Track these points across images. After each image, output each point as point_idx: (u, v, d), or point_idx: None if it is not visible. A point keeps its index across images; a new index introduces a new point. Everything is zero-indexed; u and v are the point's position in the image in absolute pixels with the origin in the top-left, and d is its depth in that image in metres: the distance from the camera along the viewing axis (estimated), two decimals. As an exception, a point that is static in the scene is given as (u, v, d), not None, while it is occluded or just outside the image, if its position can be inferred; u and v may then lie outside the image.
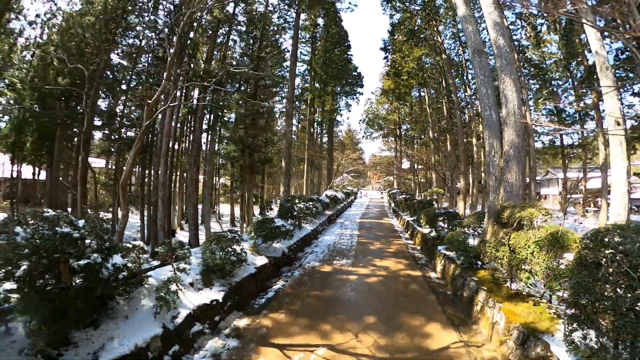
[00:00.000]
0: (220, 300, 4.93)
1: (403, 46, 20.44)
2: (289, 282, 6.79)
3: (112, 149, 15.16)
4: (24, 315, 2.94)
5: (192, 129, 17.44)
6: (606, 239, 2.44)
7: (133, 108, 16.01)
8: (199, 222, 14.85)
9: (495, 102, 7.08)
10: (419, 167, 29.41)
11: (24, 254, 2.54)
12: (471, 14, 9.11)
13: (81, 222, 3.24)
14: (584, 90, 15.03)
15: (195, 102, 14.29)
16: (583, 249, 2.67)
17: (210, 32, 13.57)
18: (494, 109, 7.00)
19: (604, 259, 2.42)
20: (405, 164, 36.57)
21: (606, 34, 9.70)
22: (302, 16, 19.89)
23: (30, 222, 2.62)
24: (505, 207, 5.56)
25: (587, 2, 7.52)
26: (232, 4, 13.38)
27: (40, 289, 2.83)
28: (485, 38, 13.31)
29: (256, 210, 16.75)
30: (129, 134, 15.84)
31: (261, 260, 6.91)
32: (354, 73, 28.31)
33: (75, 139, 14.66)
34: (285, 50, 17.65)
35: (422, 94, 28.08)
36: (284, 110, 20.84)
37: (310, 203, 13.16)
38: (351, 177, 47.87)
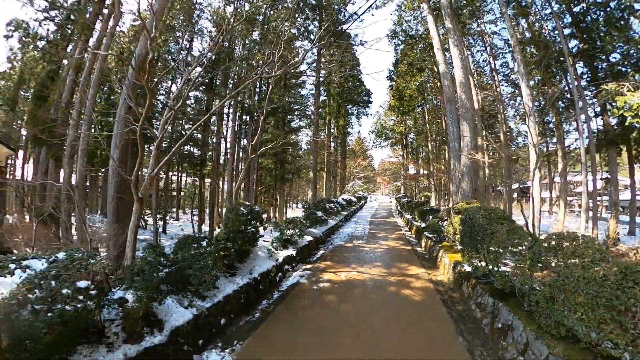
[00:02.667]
0: (294, 255, 8.68)
1: (406, 75, 24.13)
2: (327, 251, 10.55)
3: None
4: (204, 269, 6.73)
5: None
6: (469, 212, 6.07)
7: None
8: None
9: (458, 137, 10.69)
10: (422, 173, 32.87)
11: (239, 220, 6.32)
12: (448, 70, 12.74)
13: (245, 210, 7.06)
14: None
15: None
16: (463, 217, 6.29)
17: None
18: (457, 141, 10.61)
19: (468, 220, 6.05)
20: (412, 170, 39.96)
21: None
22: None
23: (241, 208, 6.43)
24: (458, 203, 9.14)
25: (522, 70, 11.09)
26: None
27: (236, 239, 6.61)
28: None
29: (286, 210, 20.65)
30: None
31: (309, 238, 10.66)
32: (363, 93, 32.14)
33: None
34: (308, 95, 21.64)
35: (426, 107, 31.62)
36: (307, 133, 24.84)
37: (332, 204, 16.92)
38: (362, 182, 51.30)
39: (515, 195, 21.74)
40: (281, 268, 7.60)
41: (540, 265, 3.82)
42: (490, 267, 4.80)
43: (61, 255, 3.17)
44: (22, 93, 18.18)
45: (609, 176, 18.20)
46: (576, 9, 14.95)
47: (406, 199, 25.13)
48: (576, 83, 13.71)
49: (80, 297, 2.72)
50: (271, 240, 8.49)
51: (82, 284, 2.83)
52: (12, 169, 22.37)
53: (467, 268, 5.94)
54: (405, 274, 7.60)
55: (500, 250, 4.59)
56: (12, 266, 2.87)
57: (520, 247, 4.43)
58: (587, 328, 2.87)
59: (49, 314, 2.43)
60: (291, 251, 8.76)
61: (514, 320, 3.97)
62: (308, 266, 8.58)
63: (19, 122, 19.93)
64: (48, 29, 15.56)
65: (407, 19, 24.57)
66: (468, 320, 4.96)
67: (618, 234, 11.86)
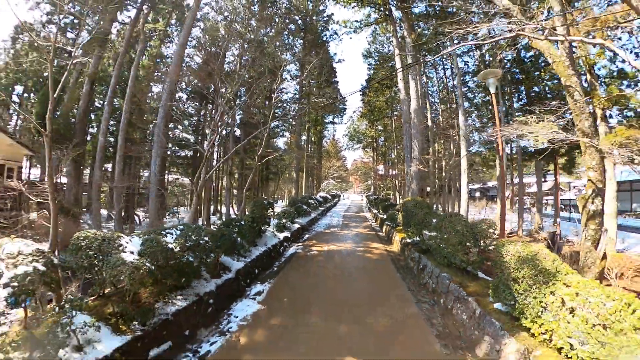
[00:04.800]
0: (289, 236, 11.44)
1: (377, 91, 27.64)
2: (311, 235, 13.43)
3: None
4: (245, 237, 9.36)
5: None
6: (408, 204, 9.23)
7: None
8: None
9: (410, 150, 14.02)
10: (391, 173, 36.85)
11: (264, 208, 8.96)
12: (407, 98, 16.06)
13: (266, 202, 9.72)
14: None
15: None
16: (402, 206, 9.45)
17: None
18: (409, 153, 13.94)
19: (406, 209, 9.22)
20: (381, 171, 44.00)
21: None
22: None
23: (263, 201, 9.05)
24: (407, 198, 12.41)
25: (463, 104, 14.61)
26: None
27: (253, 226, 9.23)
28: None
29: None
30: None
31: (297, 226, 13.45)
32: (339, 100, 35.30)
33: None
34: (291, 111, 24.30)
35: (394, 117, 35.52)
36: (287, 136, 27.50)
37: (313, 200, 19.80)
38: (335, 182, 54.68)
39: (477, 194, 25.87)
40: (282, 244, 10.35)
41: (439, 231, 6.98)
42: (416, 237, 7.95)
43: (180, 227, 5.72)
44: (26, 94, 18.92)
45: (555, 180, 22.85)
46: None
47: (374, 197, 28.69)
48: (508, 104, 17.79)
49: (208, 245, 5.32)
50: (273, 225, 11.17)
51: (204, 239, 5.44)
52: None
53: (407, 240, 9.11)
54: (368, 247, 10.69)
55: (420, 226, 7.74)
56: (165, 232, 5.41)
57: (434, 223, 7.59)
58: (453, 257, 5.98)
59: (193, 255, 5.03)
60: (286, 234, 11.50)
61: (427, 263, 7.09)
62: (300, 244, 11.40)
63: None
64: (50, 32, 16.59)
65: (381, 39, 28.15)
66: (405, 267, 8.09)
67: (542, 224, 15.87)
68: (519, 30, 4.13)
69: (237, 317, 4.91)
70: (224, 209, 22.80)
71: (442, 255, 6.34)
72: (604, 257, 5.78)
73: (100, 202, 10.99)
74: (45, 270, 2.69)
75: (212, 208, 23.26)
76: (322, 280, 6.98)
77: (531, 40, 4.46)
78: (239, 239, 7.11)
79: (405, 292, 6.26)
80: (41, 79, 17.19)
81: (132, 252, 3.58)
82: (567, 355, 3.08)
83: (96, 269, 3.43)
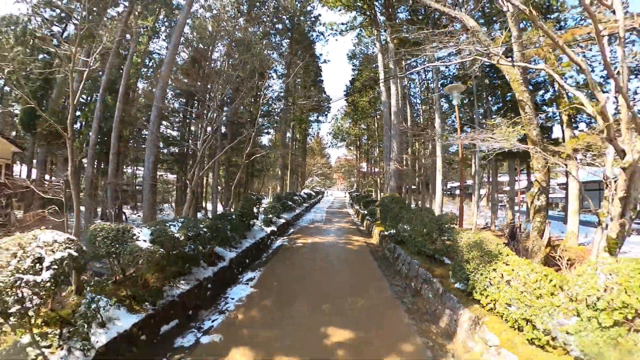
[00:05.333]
0: (275, 230, 12.00)
1: (360, 91, 28.46)
2: (296, 229, 14.05)
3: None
4: (236, 230, 9.83)
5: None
6: (385, 200, 10.04)
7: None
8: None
9: (389, 150, 14.90)
10: (373, 171, 38.03)
11: (252, 203, 9.46)
12: (388, 101, 16.92)
13: (254, 197, 10.21)
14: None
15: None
16: (381, 201, 10.26)
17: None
18: (389, 153, 14.81)
19: (384, 204, 10.03)
20: (364, 168, 45.17)
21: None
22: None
23: (251, 196, 9.52)
24: (385, 195, 13.29)
25: (439, 109, 15.61)
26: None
27: (243, 220, 9.72)
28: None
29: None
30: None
31: (282, 221, 14.01)
32: (323, 99, 35.94)
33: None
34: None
35: (377, 117, 36.64)
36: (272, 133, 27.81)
37: (297, 196, 20.38)
38: (319, 179, 55.40)
39: (457, 191, 27.24)
40: (270, 237, 10.91)
41: (411, 224, 7.80)
42: (392, 230, 8.76)
43: (180, 220, 6.17)
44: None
45: (528, 179, 24.72)
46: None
47: (356, 194, 29.65)
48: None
49: (197, 243, 5.81)
50: (260, 220, 11.68)
51: (203, 230, 5.93)
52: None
53: (385, 233, 9.93)
54: (350, 240, 11.45)
55: (395, 220, 8.55)
56: (169, 224, 5.84)
57: (406, 216, 8.41)
58: (423, 246, 6.80)
59: (194, 245, 5.53)
60: (273, 228, 12.05)
61: (401, 252, 7.90)
62: (285, 237, 11.99)
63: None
64: (38, 26, 16.05)
65: (366, 41, 28.95)
66: (382, 257, 8.90)
67: (514, 219, 17.24)
68: (477, 55, 4.91)
69: (233, 299, 5.47)
70: (209, 206, 22.91)
71: (413, 245, 7.16)
72: (548, 244, 6.79)
73: (92, 198, 11.02)
74: (77, 256, 3.15)
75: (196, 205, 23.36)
76: (307, 268, 7.63)
77: (496, 61, 5.25)
78: (230, 232, 7.61)
79: (381, 277, 7.03)
80: (31, 75, 16.50)
81: (145, 241, 4.05)
82: (506, 319, 3.90)
83: (114, 255, 3.89)
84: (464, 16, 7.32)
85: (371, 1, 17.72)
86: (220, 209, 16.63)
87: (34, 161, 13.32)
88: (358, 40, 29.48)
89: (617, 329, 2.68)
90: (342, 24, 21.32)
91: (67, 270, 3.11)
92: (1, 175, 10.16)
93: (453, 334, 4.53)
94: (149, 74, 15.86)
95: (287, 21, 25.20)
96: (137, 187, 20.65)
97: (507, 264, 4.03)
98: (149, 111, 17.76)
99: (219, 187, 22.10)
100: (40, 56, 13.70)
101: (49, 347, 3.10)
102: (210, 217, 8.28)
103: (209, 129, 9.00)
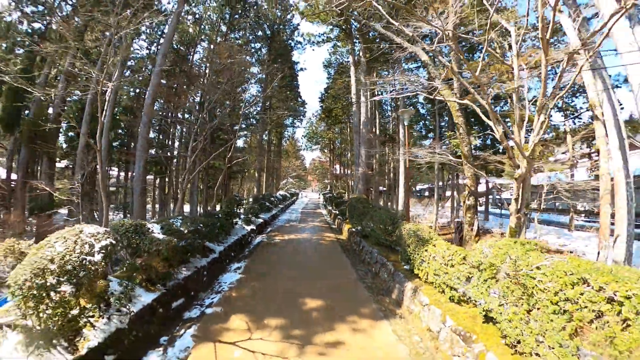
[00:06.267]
0: (255, 228, 12.99)
1: (334, 99, 30.05)
2: (273, 228, 15.11)
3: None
4: (223, 227, 10.74)
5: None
6: (352, 200, 11.51)
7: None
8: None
9: (358, 156, 16.48)
10: (345, 173, 39.86)
11: (234, 203, 10.41)
12: (358, 111, 18.53)
13: (237, 197, 11.15)
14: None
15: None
16: (350, 201, 11.72)
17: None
18: (357, 158, 16.39)
19: (351, 204, 11.48)
20: (337, 171, 46.94)
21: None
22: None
23: (234, 197, 10.45)
24: (353, 196, 14.80)
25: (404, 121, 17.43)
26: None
27: (227, 218, 10.64)
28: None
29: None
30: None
31: (260, 220, 15.00)
32: (299, 104, 37.16)
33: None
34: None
35: (349, 123, 38.56)
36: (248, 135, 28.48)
37: (274, 198, 21.37)
38: (294, 181, 56.37)
39: (427, 193, 29.52)
40: (250, 234, 11.91)
41: (372, 220, 9.27)
42: (358, 227, 10.21)
43: (179, 218, 7.10)
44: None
45: (486, 182, 27.58)
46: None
47: (330, 195, 31.16)
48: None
49: (196, 236, 6.81)
50: (241, 219, 12.62)
51: (199, 226, 6.91)
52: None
53: (353, 229, 11.37)
54: (322, 236, 12.79)
55: (360, 217, 10.01)
56: (172, 221, 6.75)
57: (369, 214, 9.89)
58: (381, 238, 8.25)
59: (183, 242, 6.52)
60: (252, 226, 13.04)
61: (365, 244, 9.33)
62: (264, 235, 13.04)
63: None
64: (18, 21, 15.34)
65: (341, 50, 30.57)
66: (350, 249, 10.31)
67: (459, 216, 19.47)
68: (419, 91, 6.45)
69: (225, 282, 6.52)
70: (186, 208, 23.09)
71: (374, 237, 8.62)
72: (477, 234, 8.58)
73: (107, 199, 11.17)
74: (115, 244, 4.12)
75: (173, 206, 23.45)
76: (286, 259, 8.81)
77: (433, 96, 6.85)
78: (218, 229, 8.58)
79: (348, 265, 8.41)
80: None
81: (159, 233, 5.03)
82: (435, 286, 5.37)
83: (134, 246, 4.84)
84: (419, 51, 8.97)
85: (347, 18, 19.29)
86: (200, 210, 17.22)
87: (14, 164, 12.96)
88: (334, 49, 30.98)
89: (490, 281, 4.21)
90: (320, 34, 22.67)
91: (110, 254, 4.07)
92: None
93: (401, 301, 5.96)
94: (136, 77, 16.02)
95: (267, 30, 26.11)
96: (117, 189, 20.47)
97: (434, 246, 5.54)
98: (132, 114, 17.84)
99: (200, 188, 22.45)
100: (20, 51, 13.15)
101: (92, 317, 4.05)
102: (192, 217, 9.13)
103: (194, 134, 9.84)
